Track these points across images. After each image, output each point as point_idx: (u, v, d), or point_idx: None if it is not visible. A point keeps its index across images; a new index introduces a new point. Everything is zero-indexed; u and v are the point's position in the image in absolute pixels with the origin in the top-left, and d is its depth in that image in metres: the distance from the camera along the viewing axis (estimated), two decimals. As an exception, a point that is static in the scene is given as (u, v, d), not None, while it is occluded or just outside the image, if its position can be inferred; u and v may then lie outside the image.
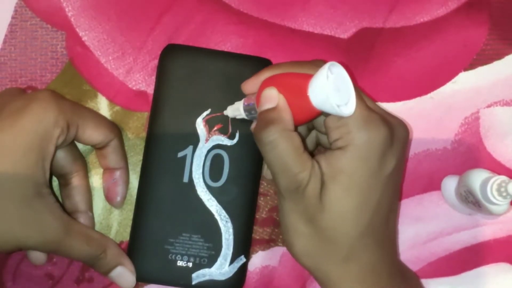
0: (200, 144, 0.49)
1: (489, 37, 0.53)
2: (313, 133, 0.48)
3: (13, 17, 0.52)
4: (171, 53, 0.50)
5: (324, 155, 0.42)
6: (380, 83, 0.52)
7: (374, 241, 0.43)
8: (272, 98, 0.42)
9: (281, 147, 0.41)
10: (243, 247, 0.49)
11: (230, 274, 0.48)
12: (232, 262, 0.48)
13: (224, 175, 0.49)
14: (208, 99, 0.49)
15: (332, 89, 0.40)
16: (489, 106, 0.52)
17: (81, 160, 0.50)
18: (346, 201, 0.42)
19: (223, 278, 0.48)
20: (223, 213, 0.48)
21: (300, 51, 0.52)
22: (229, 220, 0.48)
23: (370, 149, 0.41)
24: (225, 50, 0.52)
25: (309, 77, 0.41)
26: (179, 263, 0.48)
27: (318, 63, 0.43)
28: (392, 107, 0.52)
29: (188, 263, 0.48)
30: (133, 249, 0.49)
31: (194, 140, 0.49)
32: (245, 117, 0.46)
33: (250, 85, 0.45)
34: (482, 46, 0.53)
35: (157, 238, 0.48)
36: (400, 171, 0.44)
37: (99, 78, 0.52)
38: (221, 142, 0.49)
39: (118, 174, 0.50)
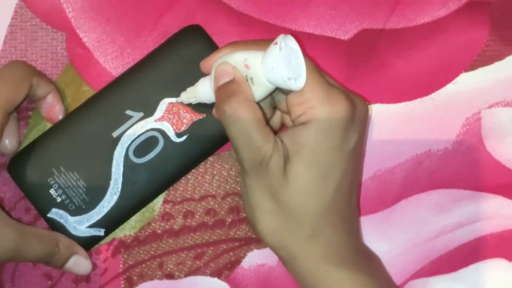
0: (150, 118, 0.49)
1: (490, 38, 0.53)
2: (278, 113, 0.48)
3: (13, 18, 0.52)
4: (189, 33, 0.50)
5: (286, 132, 0.43)
6: (380, 84, 0.52)
7: (338, 218, 0.44)
8: (228, 72, 0.43)
9: (244, 118, 0.41)
10: (110, 224, 0.49)
11: (81, 235, 0.48)
12: (91, 227, 0.48)
13: (145, 159, 0.49)
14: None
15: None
16: (490, 106, 0.52)
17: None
18: (310, 175, 0.42)
19: (73, 232, 0.48)
20: (118, 185, 0.48)
21: (300, 52, 0.52)
22: (118, 194, 0.48)
23: (333, 123, 0.42)
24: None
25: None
26: (52, 191, 0.48)
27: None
28: (393, 108, 0.52)
29: (58, 197, 0.48)
30: (32, 146, 0.49)
31: (148, 111, 0.49)
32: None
33: (209, 63, 0.45)
34: (483, 47, 0.53)
35: (54, 156, 0.48)
36: (361, 148, 0.45)
37: (99, 79, 0.52)
38: (167, 131, 0.49)
39: (50, 96, 0.50)
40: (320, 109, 0.42)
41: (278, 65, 0.40)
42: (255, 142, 0.41)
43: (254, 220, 0.44)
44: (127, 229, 0.51)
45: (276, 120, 0.48)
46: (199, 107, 0.49)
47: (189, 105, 0.48)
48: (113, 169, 0.49)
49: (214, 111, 0.46)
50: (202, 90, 0.46)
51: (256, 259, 0.51)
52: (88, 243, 0.49)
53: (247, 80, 0.43)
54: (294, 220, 0.43)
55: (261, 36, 0.52)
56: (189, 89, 0.47)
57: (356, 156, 0.44)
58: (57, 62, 0.52)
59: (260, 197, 0.43)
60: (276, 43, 0.41)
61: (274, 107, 0.48)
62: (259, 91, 0.43)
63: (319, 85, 0.42)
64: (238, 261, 0.51)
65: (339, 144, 0.42)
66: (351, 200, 0.45)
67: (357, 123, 0.43)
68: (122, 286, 0.51)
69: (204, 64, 0.46)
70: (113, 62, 0.52)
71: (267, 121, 0.44)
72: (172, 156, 0.49)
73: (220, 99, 0.42)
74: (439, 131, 0.52)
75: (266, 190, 0.43)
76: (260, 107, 0.43)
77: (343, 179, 0.43)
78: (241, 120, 0.41)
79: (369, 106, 0.51)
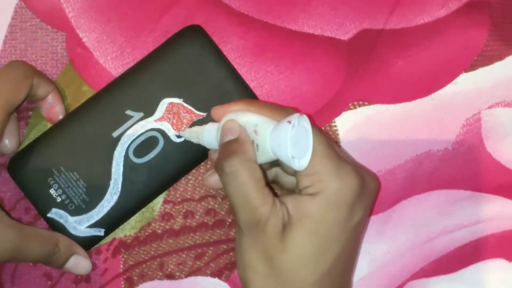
0: (150, 118, 0.49)
1: (490, 38, 0.53)
2: (273, 170, 0.48)
3: (13, 18, 0.52)
4: (189, 33, 0.50)
5: (291, 197, 0.42)
6: (380, 85, 0.52)
7: None
8: (233, 130, 0.43)
9: (243, 178, 0.41)
10: (110, 224, 0.49)
11: (81, 235, 0.48)
12: (91, 227, 0.48)
13: (145, 159, 0.49)
14: (190, 92, 0.49)
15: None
16: (490, 107, 0.52)
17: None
18: (309, 245, 0.41)
19: (73, 232, 0.48)
20: (118, 185, 0.48)
21: (301, 52, 0.52)
22: (118, 194, 0.48)
23: (341, 198, 0.41)
24: (226, 51, 0.52)
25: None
26: (52, 191, 0.48)
27: (290, 111, 0.43)
28: (393, 109, 0.52)
29: (58, 197, 0.48)
30: (32, 146, 0.49)
31: (148, 111, 0.49)
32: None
33: (220, 113, 0.45)
34: (482, 47, 0.53)
35: (54, 156, 0.48)
36: (365, 224, 0.45)
37: (99, 79, 0.52)
38: (167, 131, 0.49)
39: (50, 96, 0.50)
40: (329, 183, 0.41)
41: (286, 144, 0.40)
42: (252, 203, 0.41)
43: (246, 280, 0.43)
44: (127, 229, 0.51)
45: (269, 175, 0.48)
46: (199, 106, 0.49)
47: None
48: (113, 169, 0.49)
49: (210, 152, 0.47)
50: (207, 138, 0.46)
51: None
52: (88, 243, 0.49)
53: (252, 145, 0.42)
54: (287, 286, 0.42)
55: (261, 36, 0.52)
56: (194, 129, 0.47)
57: (358, 231, 0.44)
58: (57, 62, 0.52)
59: (254, 258, 0.42)
60: (289, 122, 0.40)
61: (273, 165, 0.47)
62: (262, 158, 0.42)
63: (329, 159, 0.41)
64: (238, 262, 0.51)
65: (343, 219, 0.42)
66: (347, 272, 0.45)
67: (364, 200, 0.43)
68: (123, 286, 0.51)
69: (215, 112, 0.45)
70: (113, 62, 0.52)
71: (268, 182, 0.43)
72: (172, 156, 0.49)
73: (221, 156, 0.42)
74: (439, 131, 0.52)
75: (261, 252, 0.42)
76: (261, 167, 0.42)
77: (342, 252, 0.42)
78: (239, 179, 0.41)
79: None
